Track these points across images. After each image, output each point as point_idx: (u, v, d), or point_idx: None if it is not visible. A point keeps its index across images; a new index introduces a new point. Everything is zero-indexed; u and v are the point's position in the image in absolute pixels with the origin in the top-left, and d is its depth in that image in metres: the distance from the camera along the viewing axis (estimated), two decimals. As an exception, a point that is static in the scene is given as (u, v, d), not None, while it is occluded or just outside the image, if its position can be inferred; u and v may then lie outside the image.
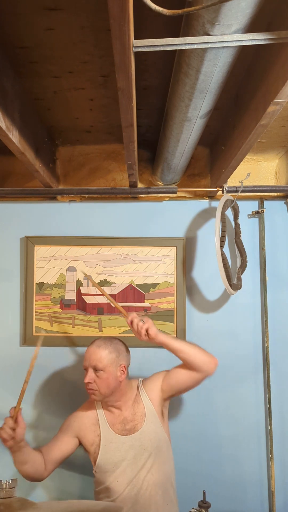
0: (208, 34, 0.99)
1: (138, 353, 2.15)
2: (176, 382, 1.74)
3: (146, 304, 2.16)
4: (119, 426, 1.72)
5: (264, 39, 1.03)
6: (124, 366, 1.72)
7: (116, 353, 1.70)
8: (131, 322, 1.65)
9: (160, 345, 1.68)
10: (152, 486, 1.63)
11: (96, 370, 1.66)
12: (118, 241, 2.18)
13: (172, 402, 2.12)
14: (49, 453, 1.68)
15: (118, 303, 1.90)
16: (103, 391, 1.66)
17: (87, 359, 1.70)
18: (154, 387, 1.77)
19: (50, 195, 2.16)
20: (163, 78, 1.49)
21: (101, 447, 1.68)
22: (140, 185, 2.21)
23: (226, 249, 2.13)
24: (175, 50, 1.21)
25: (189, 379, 1.70)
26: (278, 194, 2.21)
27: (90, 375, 1.66)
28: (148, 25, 1.18)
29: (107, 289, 2.17)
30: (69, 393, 2.15)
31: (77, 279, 2.18)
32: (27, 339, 2.16)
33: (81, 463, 2.03)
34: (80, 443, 1.74)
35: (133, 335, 2.18)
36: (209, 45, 1.02)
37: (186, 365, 1.69)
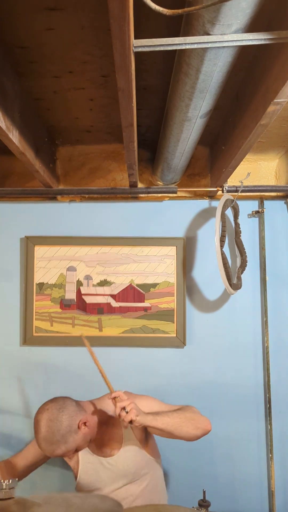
0: (208, 34, 0.99)
1: (139, 353, 2.15)
2: None
3: (146, 303, 2.16)
4: (95, 447, 1.66)
5: (264, 39, 1.03)
6: (83, 422, 1.55)
7: (66, 428, 1.50)
8: (114, 403, 1.46)
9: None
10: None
11: (65, 455, 1.57)
12: (118, 241, 2.18)
13: (172, 402, 2.12)
14: (22, 463, 1.71)
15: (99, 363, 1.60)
16: (84, 447, 1.59)
17: (47, 452, 1.52)
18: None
19: (50, 195, 2.16)
20: (163, 78, 1.49)
21: (80, 466, 1.64)
22: (140, 185, 2.21)
23: (226, 248, 2.13)
24: (175, 50, 1.21)
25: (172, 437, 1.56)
26: (278, 194, 2.21)
27: (66, 456, 1.59)
28: (148, 25, 1.18)
29: (107, 289, 2.17)
30: (69, 393, 2.14)
31: (77, 279, 2.18)
32: (27, 339, 2.16)
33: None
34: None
35: (133, 335, 2.18)
36: (209, 45, 1.02)
37: None
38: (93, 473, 1.63)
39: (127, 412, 1.40)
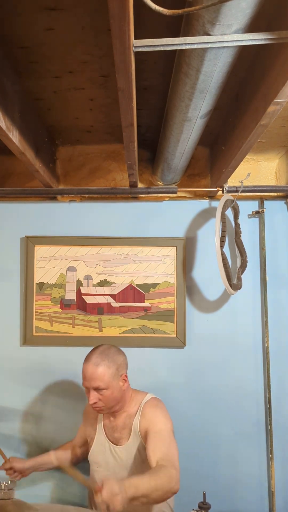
0: (208, 34, 0.99)
1: (139, 353, 2.15)
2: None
3: (146, 304, 2.16)
4: (109, 432, 1.73)
5: (264, 39, 1.03)
6: (125, 375, 1.67)
7: (115, 365, 1.62)
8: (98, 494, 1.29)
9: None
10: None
11: (99, 389, 1.60)
12: (118, 241, 2.18)
13: (172, 402, 2.12)
14: (77, 440, 1.91)
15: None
16: (110, 405, 1.63)
17: (86, 379, 1.61)
18: (149, 421, 1.63)
19: (50, 195, 2.16)
20: (163, 78, 1.48)
21: (94, 442, 1.75)
22: (140, 185, 2.21)
23: (226, 249, 2.13)
24: (176, 50, 1.21)
25: None
26: (278, 194, 2.21)
27: (94, 396, 1.60)
28: (148, 25, 1.18)
29: (107, 289, 2.17)
30: (69, 393, 2.15)
31: (77, 279, 2.18)
32: (27, 339, 2.16)
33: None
34: None
35: (133, 335, 2.18)
36: (209, 45, 1.02)
37: None
38: (101, 455, 1.72)
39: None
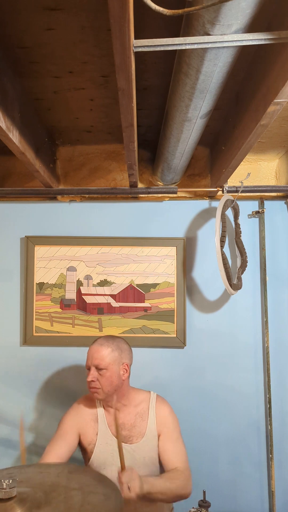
0: (208, 34, 0.99)
1: (139, 353, 2.15)
2: (159, 456, 1.66)
3: (146, 304, 2.16)
4: (115, 430, 1.66)
5: (264, 39, 1.03)
6: (127, 365, 1.70)
7: (118, 351, 1.69)
8: (120, 476, 1.41)
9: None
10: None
11: (99, 369, 1.64)
12: (118, 241, 2.18)
13: (173, 402, 2.12)
14: (59, 453, 1.62)
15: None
16: (106, 389, 1.65)
17: (89, 358, 1.68)
18: (163, 421, 1.69)
19: (50, 195, 2.16)
20: (163, 78, 1.49)
21: (97, 446, 1.66)
22: (140, 185, 2.21)
23: (226, 249, 2.13)
24: (176, 50, 1.21)
25: None
26: (278, 194, 2.21)
27: (93, 374, 1.65)
28: (148, 25, 1.18)
29: (107, 289, 2.17)
30: (69, 393, 2.15)
31: (77, 279, 2.18)
32: (27, 339, 2.16)
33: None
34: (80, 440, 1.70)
35: (133, 335, 2.18)
36: (209, 45, 1.02)
37: None
38: (108, 455, 1.64)
39: (129, 489, 1.36)
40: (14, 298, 2.21)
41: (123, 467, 1.41)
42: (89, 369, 1.68)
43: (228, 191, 2.08)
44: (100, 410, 1.73)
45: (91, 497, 1.03)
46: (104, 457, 1.64)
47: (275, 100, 1.21)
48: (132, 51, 1.00)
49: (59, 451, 1.62)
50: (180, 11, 0.86)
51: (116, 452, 1.62)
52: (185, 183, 2.21)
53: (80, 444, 1.71)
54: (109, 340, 1.72)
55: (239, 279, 2.07)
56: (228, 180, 2.11)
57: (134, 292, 2.17)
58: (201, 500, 1.43)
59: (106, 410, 1.73)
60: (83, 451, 1.73)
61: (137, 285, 2.17)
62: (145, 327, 2.15)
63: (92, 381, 1.65)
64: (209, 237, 2.21)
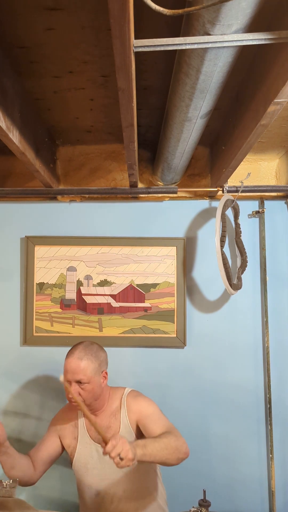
0: (209, 34, 0.99)
1: (139, 353, 2.15)
2: (147, 436, 1.59)
3: (146, 304, 2.16)
4: (94, 434, 1.68)
5: (264, 39, 1.03)
6: (105, 372, 1.69)
7: (97, 361, 1.64)
8: (104, 446, 1.35)
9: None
10: (119, 499, 1.60)
11: (80, 383, 1.60)
12: (119, 241, 2.18)
13: (173, 401, 2.12)
14: (37, 455, 1.68)
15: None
16: (88, 401, 1.62)
17: (69, 373, 1.61)
18: (137, 411, 1.65)
19: (50, 195, 2.16)
20: (164, 78, 1.48)
21: (77, 449, 1.68)
22: (140, 185, 2.21)
23: (226, 249, 2.13)
24: (176, 50, 1.21)
25: None
26: (279, 194, 2.21)
27: (75, 389, 1.59)
28: (148, 25, 1.18)
29: (107, 289, 2.17)
30: (69, 393, 2.15)
31: (77, 279, 2.18)
32: (27, 339, 2.16)
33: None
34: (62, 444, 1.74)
35: (133, 335, 2.18)
36: (210, 45, 1.02)
37: None
38: (88, 457, 1.66)
39: (121, 459, 1.29)
40: (14, 298, 2.21)
41: (106, 441, 1.33)
42: (69, 382, 1.61)
43: (228, 191, 2.07)
44: (81, 414, 1.73)
45: None
46: (85, 460, 1.67)
47: (275, 100, 1.21)
48: (132, 51, 1.00)
49: (38, 454, 1.69)
50: (180, 11, 0.86)
51: (96, 454, 1.64)
52: (185, 183, 2.21)
53: (64, 447, 1.74)
54: (86, 351, 1.65)
55: (239, 279, 2.07)
56: (228, 180, 2.11)
57: (134, 292, 2.17)
58: (201, 499, 1.43)
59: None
60: (67, 454, 1.75)
61: (137, 285, 2.17)
62: (145, 327, 2.15)
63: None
64: (209, 237, 2.20)
